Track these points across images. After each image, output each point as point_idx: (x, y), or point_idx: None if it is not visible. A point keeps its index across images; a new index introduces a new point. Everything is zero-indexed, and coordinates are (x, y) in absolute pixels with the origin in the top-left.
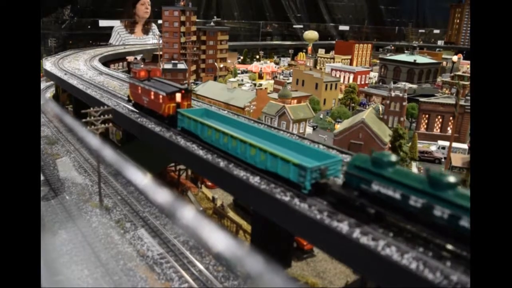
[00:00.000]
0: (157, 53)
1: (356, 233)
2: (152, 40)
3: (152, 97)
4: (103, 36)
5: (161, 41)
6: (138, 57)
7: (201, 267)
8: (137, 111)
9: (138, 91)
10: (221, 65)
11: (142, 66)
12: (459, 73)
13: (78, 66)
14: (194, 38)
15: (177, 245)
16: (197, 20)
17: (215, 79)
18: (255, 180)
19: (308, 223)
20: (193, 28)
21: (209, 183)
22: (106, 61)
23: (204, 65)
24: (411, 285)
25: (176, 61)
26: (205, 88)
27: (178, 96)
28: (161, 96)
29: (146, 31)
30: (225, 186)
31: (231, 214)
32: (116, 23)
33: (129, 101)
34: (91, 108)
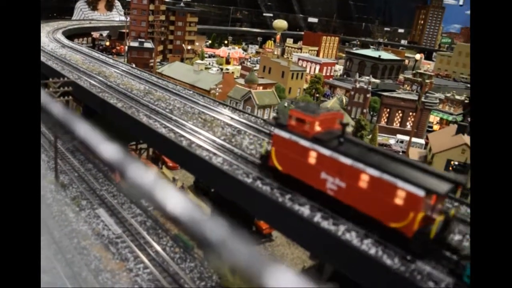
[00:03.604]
0: (124, 30)
1: (317, 217)
2: (119, 17)
3: (365, 185)
4: (69, 10)
5: (128, 18)
6: (104, 34)
7: (158, 248)
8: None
9: (308, 159)
10: (189, 47)
11: (107, 43)
12: (421, 71)
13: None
14: (162, 17)
15: (134, 225)
16: (167, 0)
17: (182, 61)
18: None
19: (269, 206)
20: (163, 7)
21: (171, 164)
22: (70, 35)
23: (172, 46)
24: (370, 270)
25: (143, 40)
26: (171, 68)
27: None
28: (404, 193)
29: (109, 7)
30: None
31: (191, 196)
32: None
33: (264, 166)
34: (51, 79)
